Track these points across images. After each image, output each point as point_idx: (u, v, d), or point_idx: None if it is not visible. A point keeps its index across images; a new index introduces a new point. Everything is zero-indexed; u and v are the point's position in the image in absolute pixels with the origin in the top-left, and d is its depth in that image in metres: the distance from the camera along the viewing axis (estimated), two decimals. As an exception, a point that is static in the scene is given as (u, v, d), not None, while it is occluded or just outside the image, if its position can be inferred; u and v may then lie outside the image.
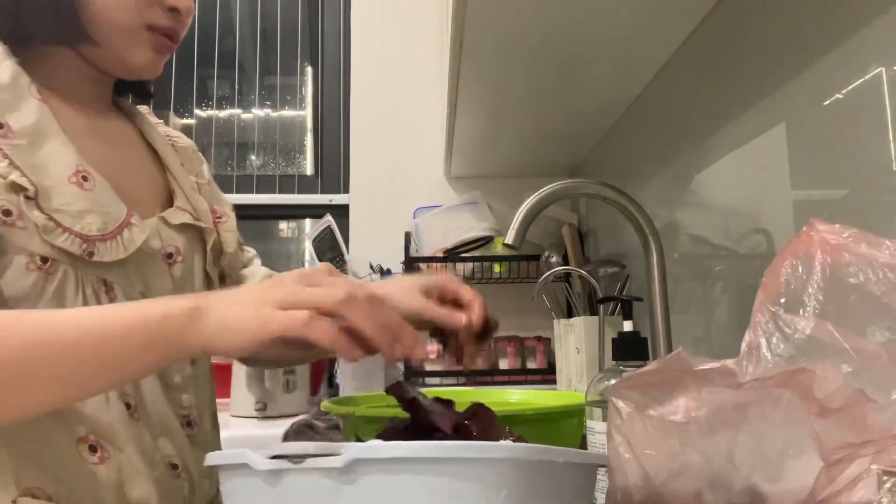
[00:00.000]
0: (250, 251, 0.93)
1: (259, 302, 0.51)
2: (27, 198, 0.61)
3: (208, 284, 0.79)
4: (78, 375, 0.53)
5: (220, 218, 0.83)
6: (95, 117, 0.74)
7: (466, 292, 0.74)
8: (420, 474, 0.38)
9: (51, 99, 0.67)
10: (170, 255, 0.73)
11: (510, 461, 0.39)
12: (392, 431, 0.52)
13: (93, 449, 0.63)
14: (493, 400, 0.87)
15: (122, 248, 0.66)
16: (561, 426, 0.74)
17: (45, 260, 0.62)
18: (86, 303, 0.64)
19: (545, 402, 0.87)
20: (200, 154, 0.90)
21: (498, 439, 0.51)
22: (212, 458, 0.44)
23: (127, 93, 0.83)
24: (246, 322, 0.51)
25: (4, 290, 0.61)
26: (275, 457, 0.41)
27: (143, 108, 0.85)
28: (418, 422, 0.52)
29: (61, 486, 0.62)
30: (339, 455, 0.39)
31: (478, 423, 0.50)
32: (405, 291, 0.74)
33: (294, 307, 0.50)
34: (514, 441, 0.50)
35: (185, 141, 0.88)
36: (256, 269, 0.92)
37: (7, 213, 0.61)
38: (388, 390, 0.58)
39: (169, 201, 0.77)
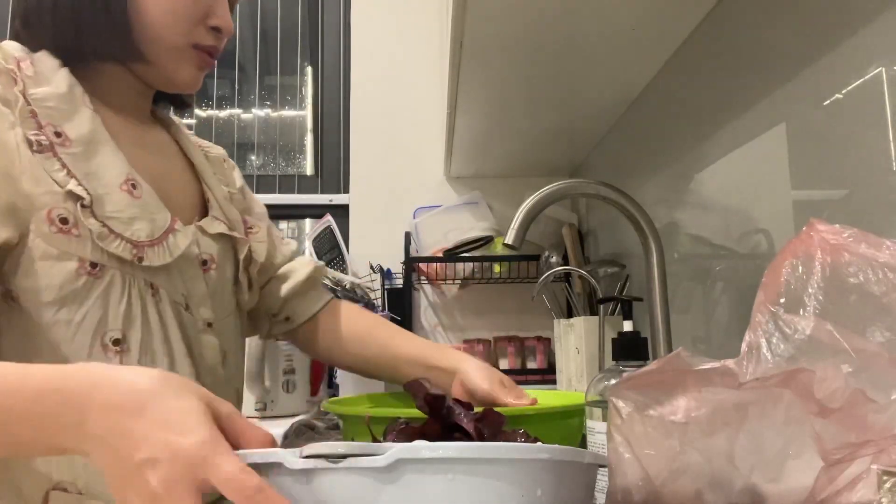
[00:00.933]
0: (291, 243, 0.95)
1: (176, 447, 0.43)
2: (83, 206, 0.64)
3: (237, 291, 0.83)
4: None
5: (250, 228, 0.86)
6: (139, 127, 0.77)
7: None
8: (463, 475, 0.39)
9: (100, 109, 0.70)
10: (205, 262, 0.76)
11: (547, 462, 0.40)
12: (398, 431, 0.52)
13: None
14: None
15: (168, 253, 0.69)
16: (561, 426, 0.74)
17: (94, 265, 0.65)
18: (130, 304, 0.67)
19: (545, 402, 0.87)
20: (232, 161, 0.93)
21: (514, 440, 0.51)
22: (241, 457, 0.44)
23: (166, 103, 0.86)
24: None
25: (53, 292, 0.63)
26: (309, 456, 0.41)
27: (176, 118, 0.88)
28: (438, 421, 0.51)
29: (91, 481, 0.64)
30: (380, 455, 0.39)
31: (488, 427, 0.50)
32: (486, 372, 0.83)
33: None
34: (532, 442, 0.50)
35: (217, 150, 0.91)
36: (299, 264, 0.94)
37: (64, 220, 0.63)
38: (408, 387, 0.58)
39: (203, 210, 0.80)
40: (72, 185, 0.63)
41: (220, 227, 0.79)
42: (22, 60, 0.67)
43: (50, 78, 0.67)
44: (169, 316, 0.70)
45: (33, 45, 0.70)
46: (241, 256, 0.82)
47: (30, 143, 0.63)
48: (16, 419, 0.47)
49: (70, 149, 0.65)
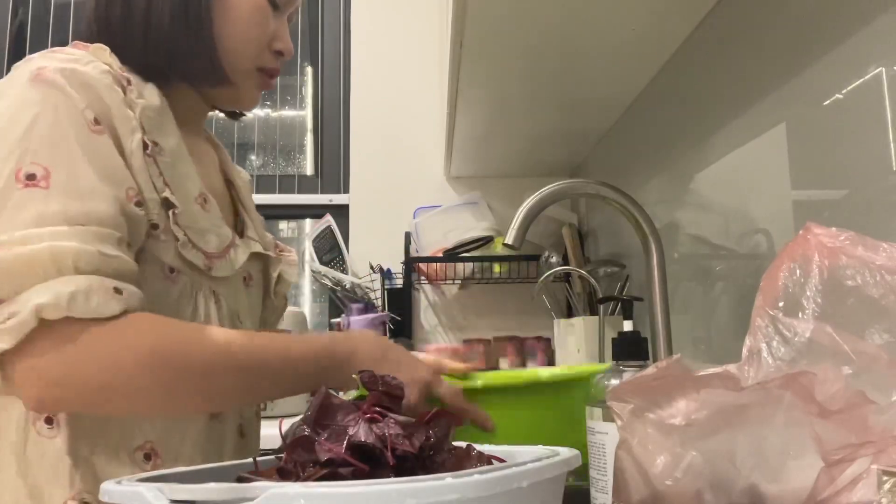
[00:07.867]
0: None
1: (413, 376, 0.66)
2: (173, 213, 0.67)
3: (264, 311, 0.86)
4: (266, 388, 0.68)
5: (282, 252, 0.90)
6: (196, 144, 0.80)
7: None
8: None
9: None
10: (244, 279, 0.80)
11: (460, 500, 0.34)
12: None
13: (147, 457, 0.66)
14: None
15: (230, 265, 0.73)
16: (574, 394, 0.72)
17: (171, 270, 0.67)
18: (196, 310, 0.70)
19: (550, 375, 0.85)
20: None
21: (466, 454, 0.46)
22: (105, 492, 0.39)
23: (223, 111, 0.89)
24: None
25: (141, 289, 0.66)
26: (177, 501, 0.37)
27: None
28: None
29: None
30: (251, 502, 0.34)
31: (436, 431, 0.46)
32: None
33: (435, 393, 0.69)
34: (473, 451, 0.45)
35: (246, 176, 0.94)
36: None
37: (155, 226, 0.66)
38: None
39: (237, 230, 0.82)
40: (167, 193, 0.66)
41: (257, 247, 0.81)
42: (122, 70, 0.69)
43: (142, 91, 0.69)
44: (227, 324, 0.73)
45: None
46: (274, 274, 0.85)
47: (145, 146, 0.66)
48: (304, 375, 0.67)
49: (164, 158, 0.68)
